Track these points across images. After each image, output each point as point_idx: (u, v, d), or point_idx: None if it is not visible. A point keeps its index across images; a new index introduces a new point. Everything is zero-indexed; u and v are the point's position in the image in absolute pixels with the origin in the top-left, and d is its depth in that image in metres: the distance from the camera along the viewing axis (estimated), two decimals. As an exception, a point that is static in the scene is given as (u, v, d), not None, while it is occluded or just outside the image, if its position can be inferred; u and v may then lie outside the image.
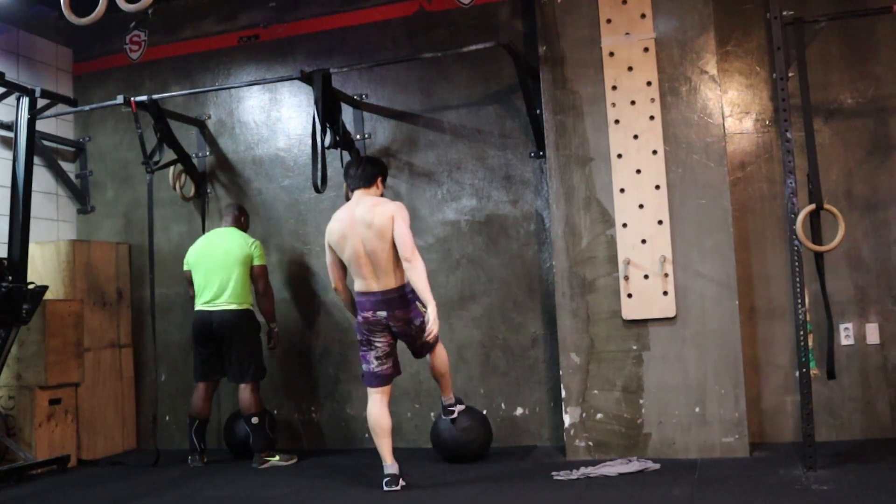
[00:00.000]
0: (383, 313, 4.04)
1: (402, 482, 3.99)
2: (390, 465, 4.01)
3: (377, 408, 4.07)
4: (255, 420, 4.79)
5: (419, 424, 5.10)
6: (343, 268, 4.18)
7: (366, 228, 4.00)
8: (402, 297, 4.05)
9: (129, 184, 5.86)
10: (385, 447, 4.03)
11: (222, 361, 4.95)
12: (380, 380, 4.11)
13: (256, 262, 5.00)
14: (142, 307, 5.71)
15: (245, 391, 4.83)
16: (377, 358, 4.10)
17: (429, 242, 5.17)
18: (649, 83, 4.45)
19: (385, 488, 3.97)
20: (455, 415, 4.48)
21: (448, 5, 5.07)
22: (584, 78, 4.58)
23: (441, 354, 4.31)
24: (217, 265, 4.90)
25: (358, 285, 4.10)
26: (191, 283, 5.03)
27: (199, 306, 4.95)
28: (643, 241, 4.42)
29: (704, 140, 4.40)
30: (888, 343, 4.51)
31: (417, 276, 3.90)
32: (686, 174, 4.41)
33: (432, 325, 3.84)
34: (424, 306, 3.91)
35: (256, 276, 5.00)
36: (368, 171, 4.21)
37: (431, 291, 3.89)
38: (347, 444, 5.24)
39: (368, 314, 4.06)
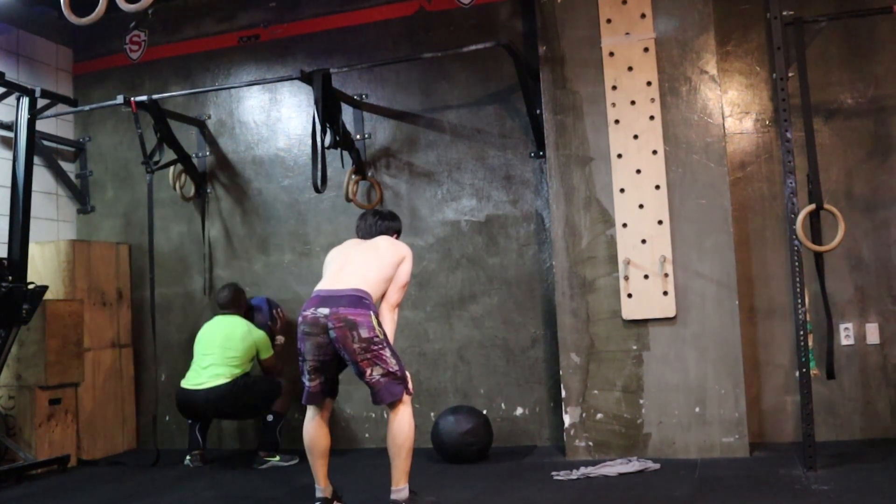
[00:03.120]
0: (325, 310, 3.36)
1: None
2: (322, 489, 3.58)
3: (310, 425, 3.56)
4: (270, 418, 4.79)
5: (419, 424, 5.05)
6: None
7: (370, 249, 3.64)
8: (357, 299, 3.38)
9: (129, 184, 5.86)
10: (318, 468, 3.56)
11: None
12: (309, 397, 3.52)
13: (264, 356, 4.94)
14: (142, 307, 5.71)
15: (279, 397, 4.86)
16: (308, 371, 3.49)
17: (429, 242, 5.17)
18: (649, 83, 4.45)
19: None
20: None
21: (448, 5, 5.07)
22: (584, 78, 4.59)
23: (403, 421, 3.41)
24: (215, 343, 4.84)
25: (319, 284, 3.56)
26: None
27: (183, 385, 4.84)
28: (643, 241, 4.42)
29: (704, 140, 4.40)
30: (888, 343, 4.51)
31: (390, 325, 3.50)
32: (686, 174, 4.41)
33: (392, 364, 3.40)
34: (380, 325, 3.41)
35: (269, 368, 4.97)
36: (383, 225, 3.80)
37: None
38: (347, 444, 5.25)
39: (308, 312, 3.41)
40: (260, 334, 4.94)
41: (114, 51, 5.80)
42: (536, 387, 4.94)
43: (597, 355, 4.48)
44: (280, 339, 5.16)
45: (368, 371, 3.37)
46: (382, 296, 3.53)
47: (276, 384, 4.91)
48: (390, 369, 3.38)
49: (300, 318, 3.45)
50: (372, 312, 3.38)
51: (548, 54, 4.65)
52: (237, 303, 5.03)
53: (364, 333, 3.33)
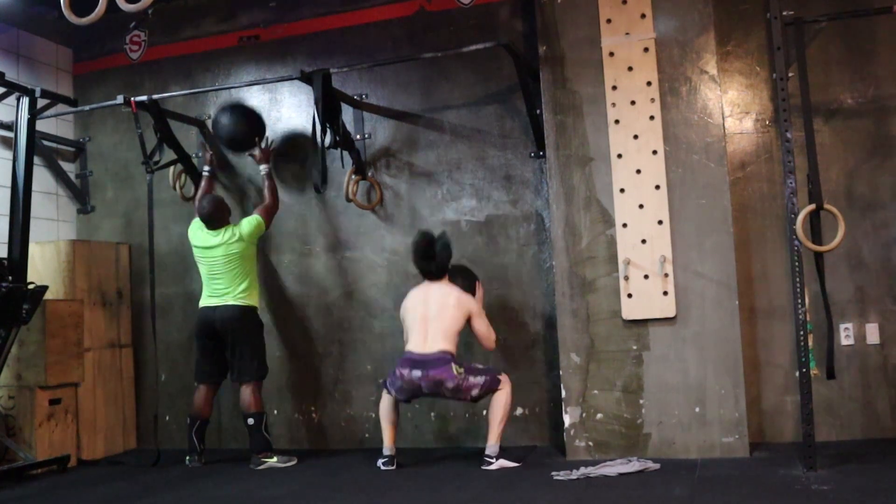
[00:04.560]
0: (417, 373, 4.30)
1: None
2: (388, 448, 4.46)
3: (387, 403, 4.49)
4: (251, 421, 4.77)
5: (419, 425, 5.10)
6: None
7: (444, 306, 4.40)
8: (440, 360, 4.29)
9: (129, 184, 5.86)
10: (389, 434, 4.47)
11: (224, 362, 4.95)
12: (397, 393, 4.44)
13: (265, 229, 4.99)
14: (142, 307, 5.71)
15: (246, 391, 4.81)
16: (399, 390, 4.41)
17: (429, 242, 5.17)
18: (649, 83, 4.45)
19: (382, 468, 4.41)
20: (491, 467, 4.28)
21: (448, 5, 5.07)
22: (584, 78, 4.58)
23: (501, 397, 4.37)
24: (218, 263, 4.88)
25: (409, 345, 4.43)
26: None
27: (202, 303, 4.94)
28: (643, 241, 4.42)
29: (704, 140, 4.40)
30: (888, 343, 4.51)
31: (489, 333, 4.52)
32: (686, 174, 4.41)
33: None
34: (461, 367, 4.31)
35: (271, 219, 5.04)
36: (441, 265, 4.49)
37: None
38: (347, 444, 5.24)
39: (405, 371, 4.34)
40: (247, 228, 4.91)
41: (114, 51, 5.80)
42: (536, 387, 4.94)
43: (597, 355, 4.48)
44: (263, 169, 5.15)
45: (468, 398, 4.37)
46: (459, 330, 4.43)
47: (264, 358, 4.95)
48: (481, 386, 4.33)
49: (398, 374, 4.35)
50: (452, 364, 4.28)
51: (548, 54, 4.65)
52: (221, 216, 4.96)
53: (450, 385, 4.28)
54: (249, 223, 4.94)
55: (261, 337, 4.97)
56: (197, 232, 4.99)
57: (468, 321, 4.44)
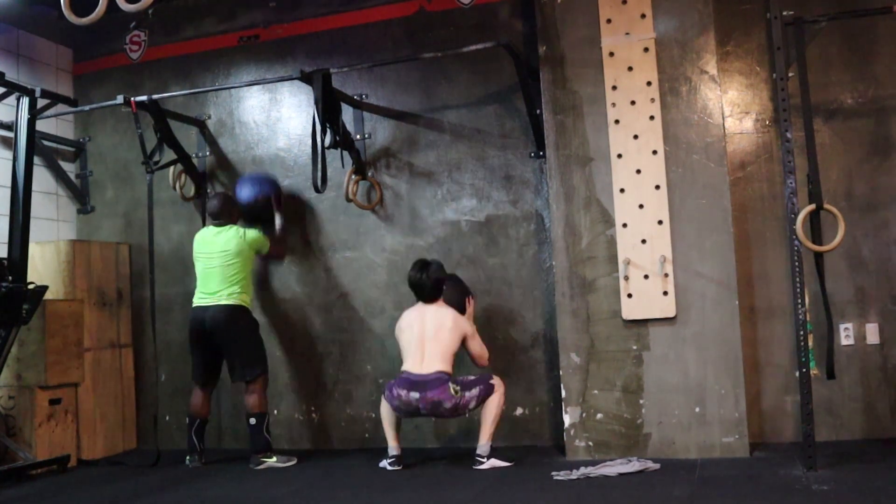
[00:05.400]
0: (415, 395, 4.30)
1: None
2: (394, 448, 4.47)
3: (387, 407, 4.47)
4: (252, 421, 4.77)
5: (419, 424, 5.10)
6: None
7: (440, 327, 4.41)
8: (438, 381, 4.30)
9: (129, 184, 5.86)
10: (390, 433, 4.47)
11: (217, 363, 4.94)
12: (396, 410, 4.46)
13: (266, 252, 5.05)
14: (142, 307, 5.71)
15: (251, 390, 4.80)
16: (397, 408, 4.42)
17: (429, 242, 5.17)
18: (649, 83, 4.45)
19: (388, 468, 4.42)
20: (483, 466, 4.32)
21: (448, 5, 5.07)
22: (584, 78, 4.58)
23: (495, 399, 4.38)
24: (216, 259, 4.89)
25: (406, 364, 4.43)
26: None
27: (194, 302, 4.93)
28: (643, 241, 4.42)
29: (704, 140, 4.40)
30: (888, 343, 4.51)
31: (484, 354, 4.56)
32: (686, 174, 4.41)
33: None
34: (457, 385, 4.31)
35: (273, 256, 5.19)
36: (435, 287, 4.52)
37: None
38: (347, 445, 5.24)
39: (403, 392, 4.34)
40: (252, 234, 4.94)
41: (114, 51, 5.80)
42: (536, 387, 4.94)
43: (597, 355, 4.48)
44: (278, 221, 5.21)
45: (467, 413, 4.43)
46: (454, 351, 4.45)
47: (263, 354, 4.93)
48: (476, 398, 4.35)
49: (395, 393, 4.36)
50: (449, 384, 4.29)
51: (548, 54, 4.65)
52: (229, 212, 5.00)
53: (448, 405, 4.30)
54: (257, 235, 4.97)
55: (256, 335, 4.95)
56: (202, 236, 5.02)
57: (463, 342, 4.46)
